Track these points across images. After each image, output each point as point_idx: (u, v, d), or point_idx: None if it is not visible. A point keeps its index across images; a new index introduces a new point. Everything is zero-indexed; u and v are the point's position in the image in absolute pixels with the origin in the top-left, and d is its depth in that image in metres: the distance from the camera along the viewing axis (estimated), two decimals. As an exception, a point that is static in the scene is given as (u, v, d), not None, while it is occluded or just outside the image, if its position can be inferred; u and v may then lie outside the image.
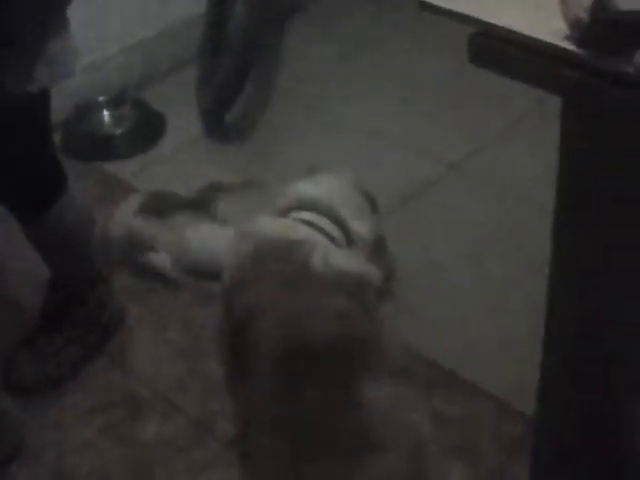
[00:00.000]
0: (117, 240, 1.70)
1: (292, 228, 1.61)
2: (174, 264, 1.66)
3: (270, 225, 1.62)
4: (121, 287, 2.41)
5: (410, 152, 3.01)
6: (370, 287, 1.57)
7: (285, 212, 1.65)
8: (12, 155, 2.08)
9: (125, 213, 1.70)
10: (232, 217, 1.71)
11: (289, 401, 1.47)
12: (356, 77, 3.38)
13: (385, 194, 2.09)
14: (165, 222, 1.67)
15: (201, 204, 1.71)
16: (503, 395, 2.21)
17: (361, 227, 1.65)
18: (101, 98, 3.20)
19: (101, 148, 3.13)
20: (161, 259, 1.65)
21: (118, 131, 3.16)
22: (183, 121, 3.18)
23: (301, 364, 1.47)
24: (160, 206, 1.70)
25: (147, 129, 3.19)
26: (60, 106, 2.32)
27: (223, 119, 3.14)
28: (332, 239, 1.60)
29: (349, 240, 1.63)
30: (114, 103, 3.21)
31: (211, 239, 1.69)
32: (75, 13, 1.96)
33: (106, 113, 3.19)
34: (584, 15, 1.18)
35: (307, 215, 1.62)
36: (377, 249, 1.67)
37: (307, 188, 1.68)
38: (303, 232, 1.59)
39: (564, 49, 1.21)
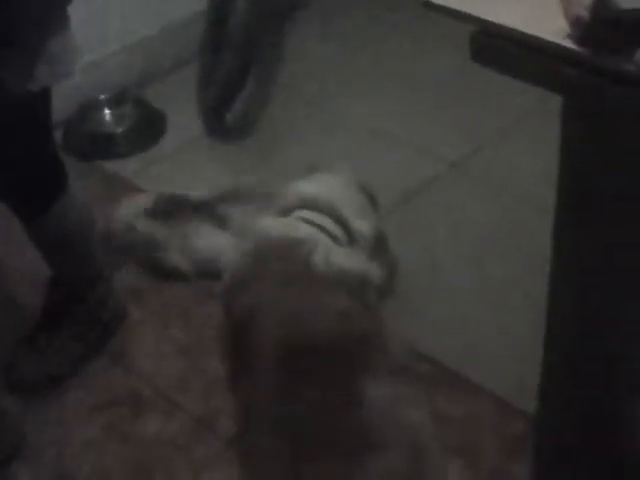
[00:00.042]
0: (120, 238, 1.70)
1: (293, 227, 1.61)
2: (187, 262, 1.67)
3: (271, 224, 1.62)
4: (122, 285, 2.41)
5: (410, 151, 3.01)
6: (371, 285, 1.57)
7: (286, 211, 1.65)
8: (13, 154, 2.08)
9: (129, 212, 1.70)
10: (246, 223, 1.72)
11: (290, 400, 1.47)
12: (356, 76, 3.38)
13: (385, 193, 2.10)
14: (173, 224, 1.68)
15: (210, 207, 1.72)
16: (504, 394, 2.21)
17: (362, 225, 1.65)
18: (102, 96, 3.19)
19: (102, 147, 3.12)
20: (174, 258, 1.66)
21: (119, 130, 3.15)
22: (184, 119, 3.18)
23: (302, 362, 1.47)
24: (169, 207, 1.70)
25: (148, 128, 3.18)
26: (61, 105, 2.32)
27: (224, 117, 3.14)
28: (333, 238, 1.61)
29: (350, 239, 1.63)
30: (115, 102, 3.20)
31: (216, 240, 1.69)
32: (76, 11, 1.96)
33: (107, 112, 3.19)
34: (585, 13, 1.18)
35: (308, 214, 1.62)
36: (378, 247, 1.67)
37: (308, 187, 1.68)
38: (304, 231, 1.59)
39: (565, 47, 1.21)
